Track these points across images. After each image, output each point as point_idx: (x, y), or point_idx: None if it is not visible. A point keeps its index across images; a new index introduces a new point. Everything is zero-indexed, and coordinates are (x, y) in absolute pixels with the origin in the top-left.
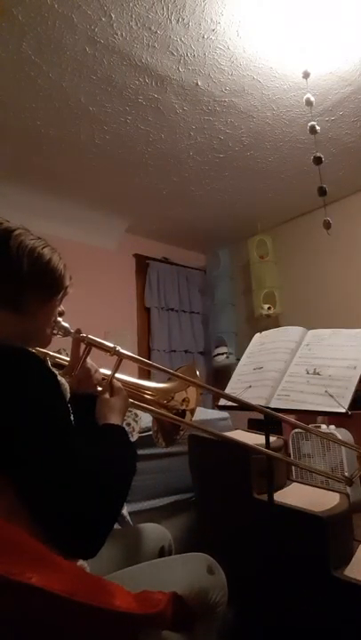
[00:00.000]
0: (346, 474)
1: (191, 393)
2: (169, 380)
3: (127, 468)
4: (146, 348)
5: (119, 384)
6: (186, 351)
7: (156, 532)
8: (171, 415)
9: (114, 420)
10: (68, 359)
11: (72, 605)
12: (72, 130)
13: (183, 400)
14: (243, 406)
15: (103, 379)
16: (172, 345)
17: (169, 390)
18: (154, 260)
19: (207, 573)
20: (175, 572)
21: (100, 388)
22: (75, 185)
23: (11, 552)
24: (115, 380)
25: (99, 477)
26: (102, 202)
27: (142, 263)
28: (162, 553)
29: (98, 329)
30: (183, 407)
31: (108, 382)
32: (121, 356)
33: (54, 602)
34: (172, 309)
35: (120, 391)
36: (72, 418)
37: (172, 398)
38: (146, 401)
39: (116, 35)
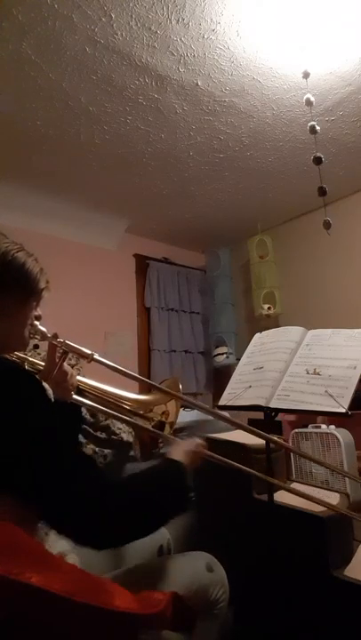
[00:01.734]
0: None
1: (171, 406)
2: (151, 392)
3: (155, 493)
4: (146, 347)
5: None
6: (186, 351)
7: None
8: (149, 427)
9: (176, 455)
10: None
11: (72, 605)
12: (72, 130)
13: (163, 413)
14: (222, 419)
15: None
16: (172, 345)
17: (148, 403)
18: (154, 260)
19: (206, 571)
20: (175, 570)
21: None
22: (75, 185)
23: (10, 552)
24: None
25: (109, 481)
26: (102, 202)
27: (142, 263)
28: (160, 552)
29: (98, 329)
30: (162, 419)
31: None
32: (99, 363)
33: (54, 602)
34: (172, 309)
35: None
36: None
37: (151, 410)
38: (125, 412)
39: (116, 35)
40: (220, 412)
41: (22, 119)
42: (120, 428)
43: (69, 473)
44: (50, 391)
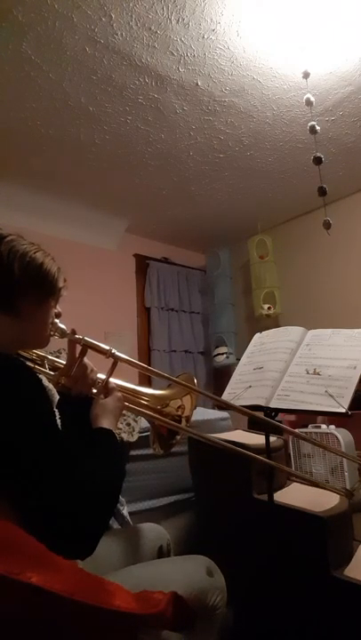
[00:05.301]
0: (346, 473)
1: (186, 401)
2: (167, 387)
3: (114, 474)
4: (146, 347)
5: (114, 385)
6: (186, 351)
7: (154, 532)
8: (166, 420)
9: (106, 422)
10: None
11: (72, 605)
12: (72, 130)
13: (178, 407)
14: (239, 412)
15: (99, 381)
16: (172, 345)
17: (164, 397)
18: (154, 259)
19: (207, 575)
20: (175, 572)
21: (95, 390)
22: (75, 185)
23: (11, 552)
24: (110, 381)
25: (87, 483)
26: (102, 202)
27: (142, 263)
28: (160, 552)
29: (98, 329)
30: (178, 413)
31: (103, 383)
32: (116, 359)
33: (54, 601)
34: (172, 309)
35: (114, 391)
36: (59, 421)
37: (167, 405)
38: (141, 406)
39: (116, 35)
40: (233, 404)
41: (22, 119)
42: (120, 429)
43: (46, 480)
44: (53, 391)
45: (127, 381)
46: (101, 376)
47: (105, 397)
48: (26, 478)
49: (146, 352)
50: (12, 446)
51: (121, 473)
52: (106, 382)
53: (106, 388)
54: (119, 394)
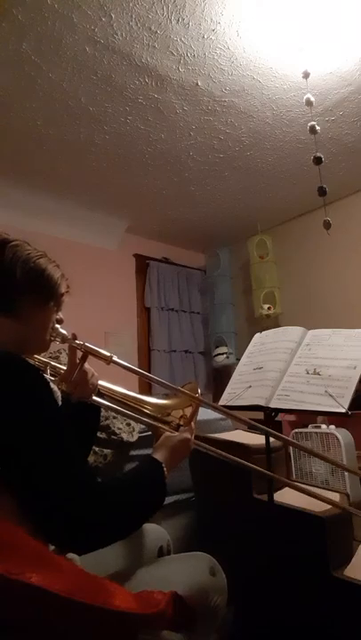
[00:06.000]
0: (346, 474)
1: (189, 411)
2: (170, 396)
3: (138, 497)
4: (146, 347)
5: (192, 428)
6: (186, 351)
7: (154, 532)
8: (167, 429)
9: (159, 455)
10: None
11: (72, 605)
12: (72, 130)
13: (180, 417)
14: (240, 421)
15: (174, 417)
16: (172, 345)
17: (167, 407)
18: (154, 259)
19: (209, 574)
20: (177, 570)
21: (167, 424)
22: (75, 185)
23: (11, 552)
24: (192, 424)
25: (89, 484)
26: (102, 202)
27: (142, 263)
28: (160, 553)
29: (98, 329)
30: (180, 423)
31: (187, 422)
32: (118, 365)
33: (54, 601)
34: (172, 309)
35: (184, 432)
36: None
37: (169, 414)
38: (144, 415)
39: (116, 35)
40: (235, 413)
41: (22, 119)
42: (120, 429)
43: (52, 476)
44: (58, 393)
45: (128, 388)
46: (103, 383)
47: (173, 433)
48: (27, 463)
49: (146, 352)
50: (15, 442)
51: (147, 502)
52: (189, 421)
53: (178, 427)
54: (188, 435)
